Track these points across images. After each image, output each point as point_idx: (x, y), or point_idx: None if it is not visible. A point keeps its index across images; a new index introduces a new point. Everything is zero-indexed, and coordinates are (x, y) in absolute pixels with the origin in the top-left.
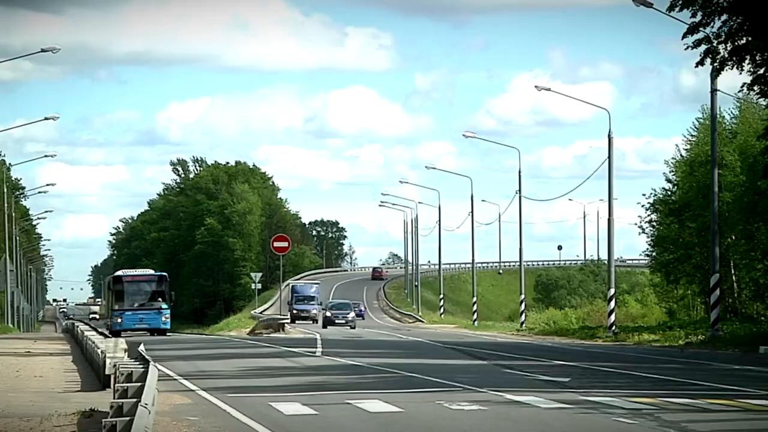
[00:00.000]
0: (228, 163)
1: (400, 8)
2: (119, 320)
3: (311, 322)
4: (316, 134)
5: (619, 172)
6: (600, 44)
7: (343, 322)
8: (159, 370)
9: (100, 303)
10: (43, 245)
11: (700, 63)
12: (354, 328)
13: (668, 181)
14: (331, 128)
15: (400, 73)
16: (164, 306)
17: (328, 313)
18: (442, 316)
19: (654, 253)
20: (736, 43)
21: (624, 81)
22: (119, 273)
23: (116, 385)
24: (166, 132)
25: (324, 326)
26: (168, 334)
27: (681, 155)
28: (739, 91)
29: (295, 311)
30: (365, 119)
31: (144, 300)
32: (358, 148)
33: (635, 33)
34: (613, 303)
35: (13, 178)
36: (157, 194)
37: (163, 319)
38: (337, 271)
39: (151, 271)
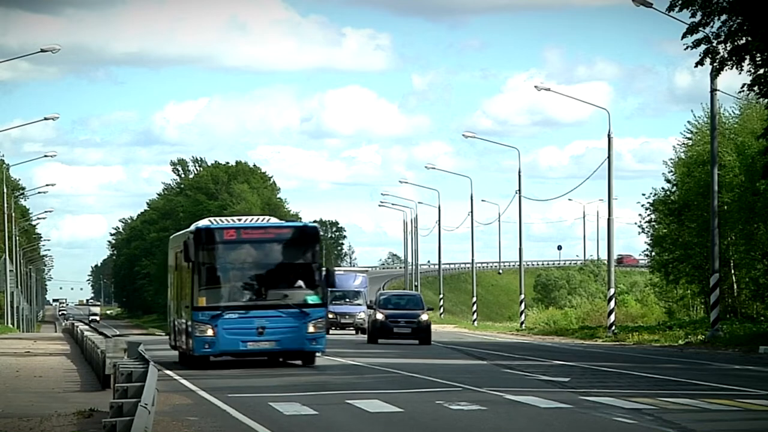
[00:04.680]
0: (228, 163)
1: (397, 9)
2: (209, 333)
3: (355, 332)
4: (313, 134)
5: (616, 172)
6: (596, 44)
7: (409, 330)
8: (159, 370)
9: (99, 304)
10: (43, 245)
11: (700, 63)
12: (427, 342)
13: (667, 181)
14: (329, 128)
15: (397, 73)
16: (311, 297)
17: (380, 315)
18: (442, 316)
19: (653, 253)
20: (735, 43)
21: (621, 81)
22: (206, 224)
23: (116, 385)
24: (163, 132)
25: (373, 339)
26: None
27: (681, 156)
28: (739, 92)
29: (330, 316)
30: (362, 119)
31: (269, 284)
32: (355, 148)
33: (631, 33)
34: (612, 303)
35: (12, 178)
36: (157, 194)
37: (310, 329)
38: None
39: (276, 220)
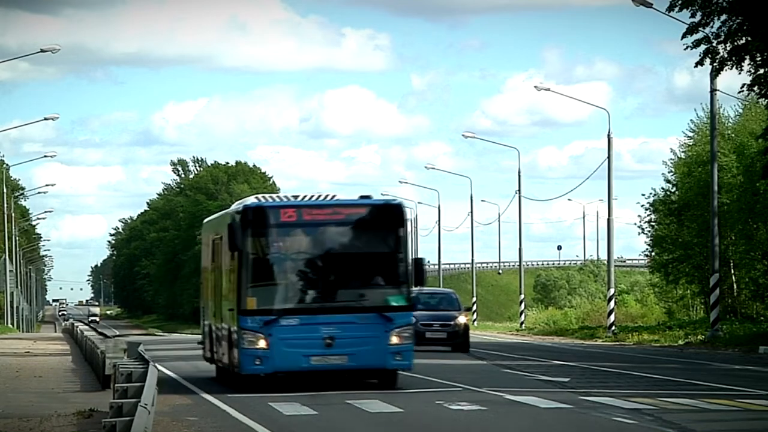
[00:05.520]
0: (228, 163)
1: (397, 9)
2: (261, 344)
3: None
4: (313, 135)
5: (615, 172)
6: (596, 44)
7: (444, 335)
8: (158, 370)
9: (98, 304)
10: (43, 245)
11: (700, 63)
12: (464, 349)
13: (667, 181)
14: (328, 129)
15: (396, 73)
16: (395, 298)
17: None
18: None
19: (653, 253)
20: (735, 43)
21: (620, 81)
22: (256, 201)
23: (116, 385)
24: (163, 132)
25: None
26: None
27: (681, 156)
28: (739, 92)
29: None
30: (362, 120)
31: (340, 280)
32: (355, 148)
33: (631, 33)
34: (612, 303)
35: (12, 179)
36: (157, 194)
37: (393, 339)
38: None
39: (347, 198)
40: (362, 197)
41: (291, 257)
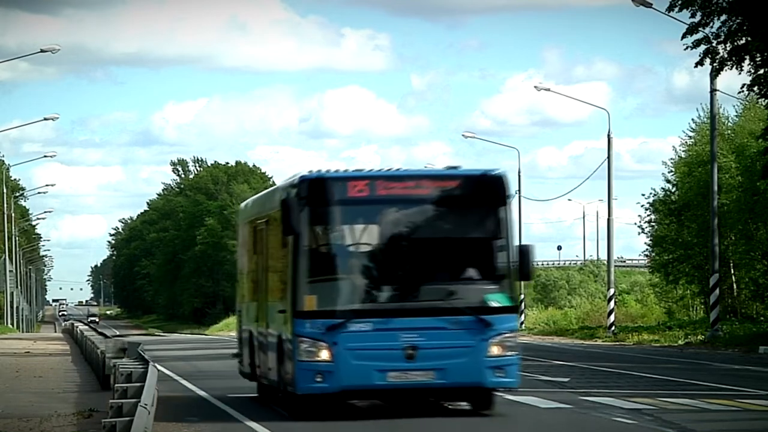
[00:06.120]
0: (227, 163)
1: (396, 9)
2: (323, 355)
3: None
4: (312, 135)
5: (615, 172)
6: (595, 44)
7: None
8: (158, 370)
9: (97, 304)
10: (43, 245)
11: (700, 63)
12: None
13: (667, 181)
14: (328, 129)
15: (396, 73)
16: (496, 296)
17: None
18: None
19: (653, 253)
20: (735, 44)
21: (620, 81)
22: (314, 173)
23: (116, 385)
24: (163, 132)
25: None
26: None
27: (681, 156)
28: (739, 92)
29: None
30: (362, 120)
31: (424, 274)
32: (354, 148)
33: (631, 33)
34: (612, 303)
35: (12, 179)
36: (157, 194)
37: (494, 350)
38: None
39: (433, 169)
40: (450, 168)
41: (362, 243)
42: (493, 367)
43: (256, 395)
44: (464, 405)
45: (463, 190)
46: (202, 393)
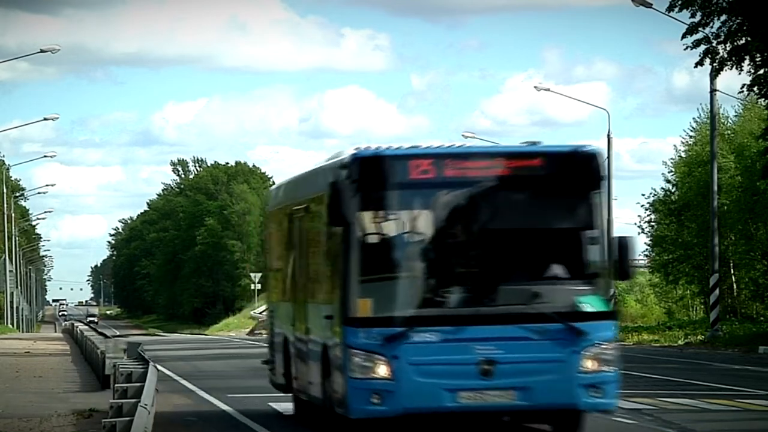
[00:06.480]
0: (227, 163)
1: (396, 9)
2: (382, 371)
3: None
4: (312, 135)
5: (615, 172)
6: (595, 44)
7: None
8: (158, 370)
9: (96, 304)
10: (43, 246)
11: (700, 63)
12: None
13: (667, 181)
14: (328, 129)
15: (396, 73)
16: (589, 299)
17: None
18: None
19: (653, 253)
20: (735, 44)
21: (620, 81)
22: (370, 150)
23: (116, 385)
24: (163, 132)
25: None
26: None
27: (681, 156)
28: (739, 92)
29: None
30: (361, 120)
31: (502, 273)
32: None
33: (631, 33)
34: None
35: (12, 179)
36: (157, 194)
37: (587, 364)
38: None
39: (512, 145)
40: (530, 144)
41: (428, 235)
42: (588, 385)
43: (291, 413)
44: (546, 427)
45: (549, 170)
46: (202, 393)
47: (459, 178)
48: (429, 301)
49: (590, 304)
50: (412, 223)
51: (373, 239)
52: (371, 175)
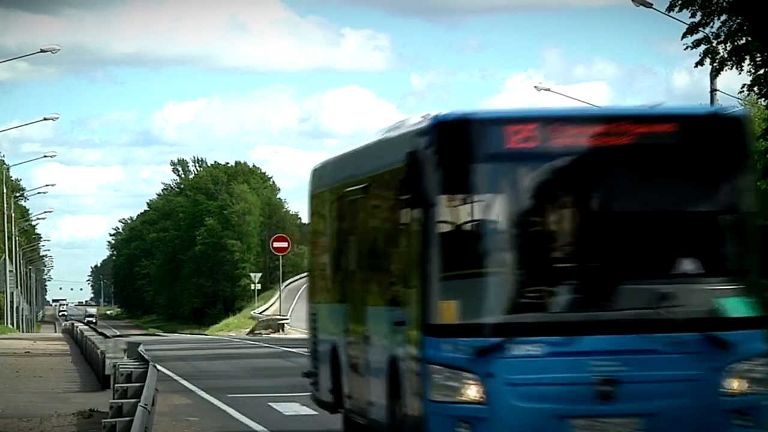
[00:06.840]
0: (227, 163)
1: (396, 9)
2: (473, 393)
3: None
4: (312, 135)
5: None
6: (595, 44)
7: None
8: (158, 370)
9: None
10: (43, 246)
11: (700, 63)
12: None
13: None
14: (328, 128)
15: (396, 73)
16: (735, 303)
17: None
18: None
19: None
20: (735, 44)
21: (619, 81)
22: (456, 113)
23: (116, 385)
24: (162, 132)
25: None
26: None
27: None
28: (739, 92)
29: None
30: (361, 120)
31: (624, 269)
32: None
33: (631, 33)
34: None
35: (12, 179)
36: (157, 194)
37: (733, 384)
38: None
39: (635, 107)
40: (649, 105)
41: (530, 220)
42: (733, 410)
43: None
44: None
45: (684, 138)
46: (202, 393)
47: (570, 148)
48: (532, 304)
49: (736, 308)
50: (511, 205)
51: (460, 225)
52: (459, 145)
